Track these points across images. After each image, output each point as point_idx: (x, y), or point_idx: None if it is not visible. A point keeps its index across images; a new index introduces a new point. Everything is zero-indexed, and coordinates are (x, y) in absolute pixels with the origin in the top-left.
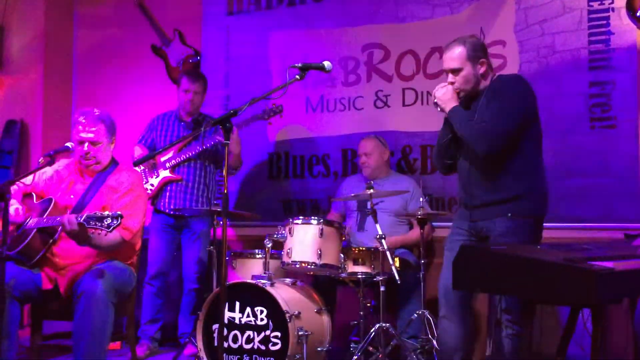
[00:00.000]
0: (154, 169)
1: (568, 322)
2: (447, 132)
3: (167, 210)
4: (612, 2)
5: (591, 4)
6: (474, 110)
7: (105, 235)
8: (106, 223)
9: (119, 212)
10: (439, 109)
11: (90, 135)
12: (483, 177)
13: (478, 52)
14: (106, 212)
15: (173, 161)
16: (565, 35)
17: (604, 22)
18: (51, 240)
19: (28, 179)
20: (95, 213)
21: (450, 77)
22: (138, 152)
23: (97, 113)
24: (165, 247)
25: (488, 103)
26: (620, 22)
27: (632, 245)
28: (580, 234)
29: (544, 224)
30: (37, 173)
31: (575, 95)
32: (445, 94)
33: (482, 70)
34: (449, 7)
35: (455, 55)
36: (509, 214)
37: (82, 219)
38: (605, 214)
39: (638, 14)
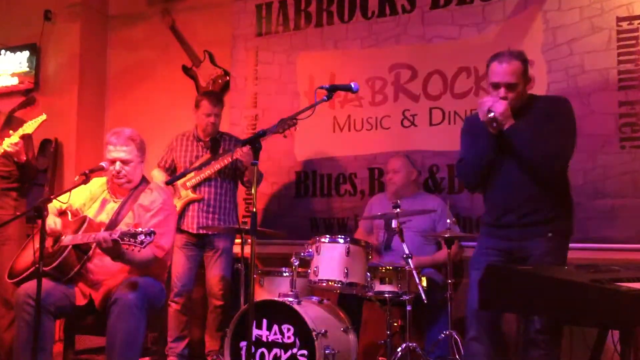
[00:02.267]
0: (175, 190)
1: (596, 343)
2: (492, 148)
3: (190, 230)
4: None
5: (620, 24)
6: (521, 128)
7: (139, 251)
8: (140, 239)
9: (152, 229)
10: (494, 124)
11: (122, 154)
12: (525, 196)
13: (527, 68)
14: (139, 229)
15: (194, 180)
16: (594, 55)
17: (633, 41)
18: (86, 257)
19: (64, 197)
20: (129, 230)
21: (503, 92)
22: (157, 174)
23: (127, 133)
24: (188, 264)
25: (542, 123)
26: None
27: None
28: (609, 254)
29: (574, 245)
30: (73, 192)
31: (605, 115)
32: (506, 110)
33: (529, 88)
34: (476, 27)
35: (515, 70)
36: (550, 234)
37: (117, 235)
38: (635, 234)
39: None
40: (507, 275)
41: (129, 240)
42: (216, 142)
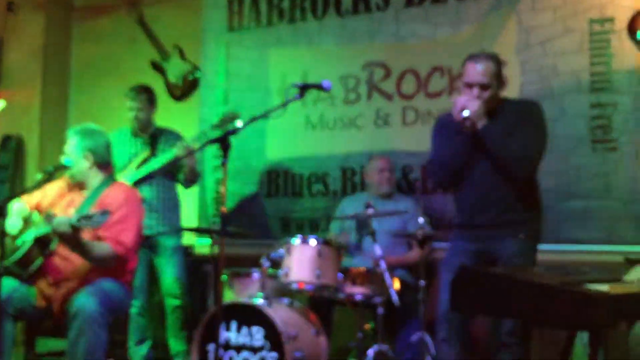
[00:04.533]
0: None
1: (565, 345)
2: (464, 148)
3: None
4: (613, 25)
5: (593, 25)
6: (495, 129)
7: (98, 242)
8: (94, 220)
9: (107, 210)
10: (467, 123)
11: None
12: (496, 198)
13: (501, 70)
14: (94, 211)
15: (134, 179)
16: (567, 56)
17: (605, 44)
18: (47, 250)
19: (31, 195)
20: (83, 213)
21: (476, 92)
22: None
23: (89, 129)
24: (140, 265)
25: (515, 125)
26: (621, 44)
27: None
28: (581, 256)
29: (546, 246)
30: (40, 190)
31: (577, 117)
32: (479, 109)
33: (502, 90)
34: (451, 26)
35: (489, 71)
36: (521, 236)
37: (74, 219)
38: (607, 236)
39: (639, 37)
40: (478, 277)
41: (85, 222)
42: (155, 138)
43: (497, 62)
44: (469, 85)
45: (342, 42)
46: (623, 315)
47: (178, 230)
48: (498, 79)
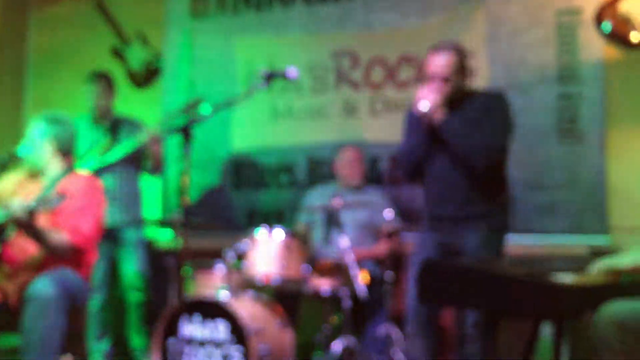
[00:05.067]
0: None
1: (530, 336)
2: (424, 140)
3: None
4: (581, 16)
5: (560, 17)
6: (456, 122)
7: (55, 230)
8: (51, 202)
9: (64, 194)
10: (426, 116)
11: None
12: (459, 190)
13: (464, 61)
14: (51, 194)
15: (94, 168)
16: (535, 47)
17: (573, 35)
18: (2, 238)
19: None
20: (39, 197)
21: (437, 84)
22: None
23: (58, 116)
24: (100, 259)
25: (478, 117)
26: (589, 36)
27: None
28: (547, 246)
29: (513, 237)
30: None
31: (544, 109)
32: (437, 102)
33: (467, 81)
34: (420, 15)
35: (448, 62)
36: (483, 228)
37: (31, 203)
38: (572, 227)
39: (606, 29)
40: (444, 269)
41: (41, 204)
42: (116, 126)
43: (460, 54)
44: (431, 77)
45: (309, 31)
46: (587, 306)
47: (140, 222)
48: (461, 70)
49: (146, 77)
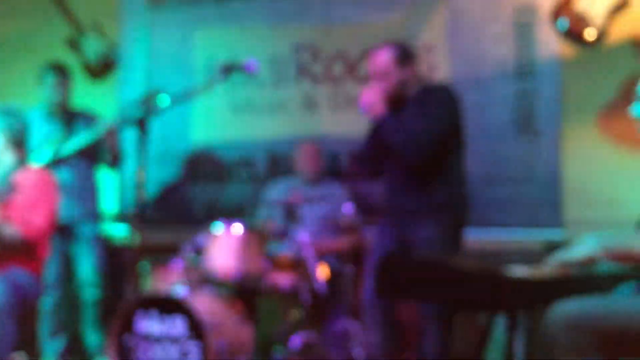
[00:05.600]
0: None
1: (485, 328)
2: (377, 138)
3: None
4: (538, 13)
5: (518, 14)
6: (399, 118)
7: (5, 223)
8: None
9: (14, 186)
10: (367, 114)
11: None
12: (410, 185)
13: (407, 58)
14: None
15: (49, 162)
16: (494, 43)
17: (530, 32)
18: None
19: None
20: None
21: (377, 82)
22: None
23: (9, 107)
24: (54, 255)
25: (415, 112)
26: (545, 33)
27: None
28: (504, 241)
29: (472, 231)
30: None
31: (502, 104)
32: (372, 100)
33: (409, 76)
34: (381, 10)
35: (384, 59)
36: (435, 222)
37: None
38: (529, 221)
39: (561, 26)
40: (401, 263)
41: None
42: (72, 118)
43: (401, 50)
44: (371, 76)
45: (270, 23)
46: (540, 299)
47: (97, 217)
48: (400, 66)
49: (102, 68)
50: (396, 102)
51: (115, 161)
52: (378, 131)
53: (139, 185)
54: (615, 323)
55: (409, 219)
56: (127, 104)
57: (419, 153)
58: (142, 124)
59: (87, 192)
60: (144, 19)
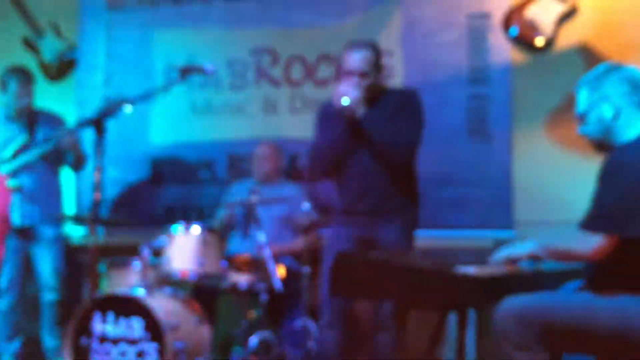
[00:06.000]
0: None
1: (436, 325)
2: (345, 135)
3: (15, 224)
4: (490, 20)
5: (471, 20)
6: (374, 117)
7: None
8: None
9: None
10: (347, 111)
11: None
12: (376, 185)
13: (380, 59)
14: None
15: (10, 168)
16: (448, 49)
17: (483, 38)
18: None
19: None
20: None
21: (355, 80)
22: None
23: None
24: (12, 257)
25: (394, 114)
26: (497, 39)
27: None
28: (457, 241)
29: (424, 231)
30: None
31: (456, 108)
32: (358, 97)
33: (380, 78)
34: (338, 15)
35: (366, 58)
36: (398, 222)
37: None
38: (481, 221)
39: (512, 33)
40: (356, 261)
41: None
42: (33, 122)
43: (376, 51)
44: (349, 73)
45: (229, 26)
46: (489, 296)
47: (57, 219)
48: (377, 67)
49: (60, 69)
50: (368, 101)
51: (78, 164)
52: (359, 129)
53: (96, 187)
54: (559, 319)
55: (370, 220)
56: (85, 106)
57: (406, 153)
58: (98, 126)
59: (49, 195)
60: (103, 20)
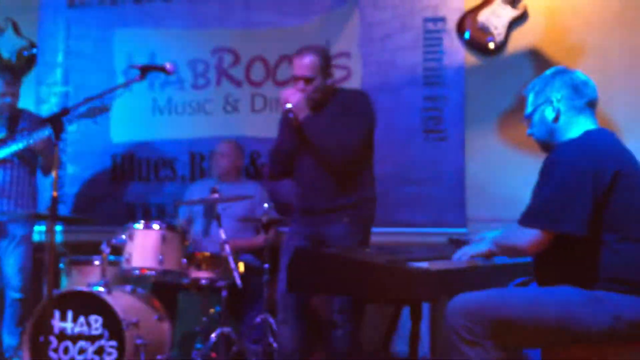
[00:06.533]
0: None
1: (391, 319)
2: (290, 138)
3: None
4: (445, 24)
5: (427, 24)
6: (324, 120)
7: None
8: None
9: None
10: (290, 115)
11: None
12: (325, 185)
13: (328, 63)
14: None
15: None
16: (404, 51)
17: (438, 41)
18: None
19: None
20: None
21: (301, 85)
22: None
23: None
24: None
25: (338, 116)
26: (452, 42)
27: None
28: (412, 238)
29: (381, 229)
30: None
31: (412, 109)
32: (300, 102)
33: (329, 81)
34: (299, 16)
35: (310, 64)
36: (347, 220)
37: None
38: (435, 219)
39: (466, 36)
40: (312, 258)
41: None
42: (14, 120)
43: (324, 56)
44: (295, 78)
45: (191, 26)
46: (442, 290)
47: (31, 218)
48: (323, 70)
49: (18, 66)
50: (316, 105)
51: (47, 168)
52: (301, 132)
53: (54, 184)
54: (507, 314)
55: (324, 218)
56: (45, 103)
57: (346, 156)
58: (54, 123)
59: (22, 193)
60: (63, 17)
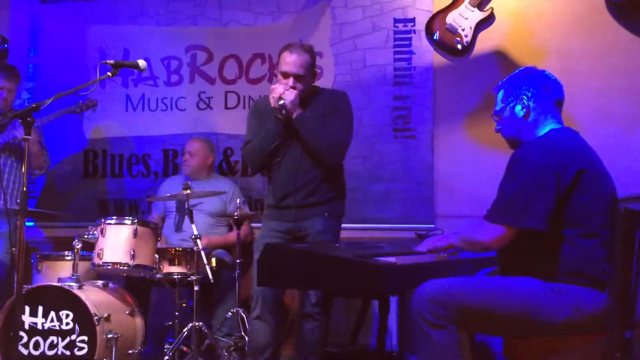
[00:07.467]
0: None
1: (360, 312)
2: (279, 134)
3: None
4: (414, 25)
5: (397, 25)
6: (317, 118)
7: None
8: None
9: None
10: (283, 112)
11: None
12: (306, 180)
13: (315, 63)
14: None
15: None
16: (374, 51)
17: (407, 42)
18: None
19: None
20: None
21: (292, 82)
22: None
23: None
24: None
25: (326, 114)
26: (421, 43)
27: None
28: (382, 234)
29: (353, 225)
30: None
31: (382, 107)
32: (295, 99)
33: (316, 80)
34: (271, 15)
35: (303, 62)
36: (326, 214)
37: None
38: (404, 215)
39: (434, 37)
40: (283, 253)
41: None
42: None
43: (312, 54)
44: (285, 75)
45: (164, 23)
46: (408, 283)
47: (13, 214)
48: (312, 69)
49: None
50: (301, 102)
51: (30, 165)
52: (294, 129)
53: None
54: (471, 301)
55: (300, 213)
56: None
57: (338, 155)
58: (25, 119)
59: (5, 188)
60: (36, 12)
